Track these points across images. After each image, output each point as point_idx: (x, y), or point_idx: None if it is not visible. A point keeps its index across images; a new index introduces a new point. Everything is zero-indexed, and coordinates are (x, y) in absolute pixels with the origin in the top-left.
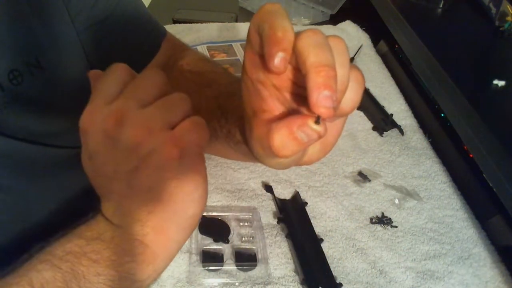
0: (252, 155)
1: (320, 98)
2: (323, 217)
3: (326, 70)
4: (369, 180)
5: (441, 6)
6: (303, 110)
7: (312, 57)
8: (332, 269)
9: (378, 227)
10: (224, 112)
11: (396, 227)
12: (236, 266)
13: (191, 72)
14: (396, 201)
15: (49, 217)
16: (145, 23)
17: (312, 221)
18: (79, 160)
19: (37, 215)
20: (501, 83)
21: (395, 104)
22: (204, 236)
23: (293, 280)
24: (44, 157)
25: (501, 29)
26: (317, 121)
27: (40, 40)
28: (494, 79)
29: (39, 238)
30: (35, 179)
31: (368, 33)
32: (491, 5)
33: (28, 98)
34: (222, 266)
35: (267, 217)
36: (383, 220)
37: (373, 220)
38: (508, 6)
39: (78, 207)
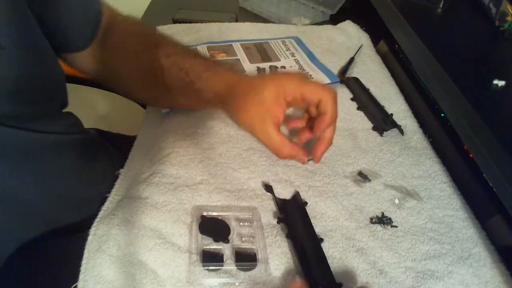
0: (207, 105)
1: (320, 158)
2: (323, 217)
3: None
4: (369, 180)
5: (441, 6)
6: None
7: (330, 132)
8: (332, 269)
9: (378, 227)
10: (182, 67)
11: (396, 227)
12: (236, 266)
13: (134, 35)
14: (396, 201)
15: (29, 202)
16: None
17: (312, 221)
18: (54, 145)
19: (18, 200)
20: (501, 83)
21: (395, 104)
22: (204, 236)
23: (293, 280)
24: (19, 141)
25: (501, 29)
26: (309, 160)
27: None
28: (494, 79)
29: (20, 224)
30: (11, 164)
31: (368, 33)
32: (491, 5)
33: None
34: (222, 266)
35: (267, 217)
36: (383, 220)
37: (373, 220)
38: (508, 6)
39: (57, 191)
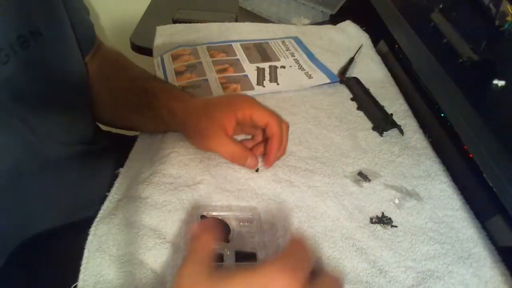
0: (164, 126)
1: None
2: (323, 217)
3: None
4: (369, 180)
5: (441, 6)
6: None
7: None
8: (332, 269)
9: (378, 227)
10: (142, 89)
11: (396, 226)
12: (236, 265)
13: (110, 63)
14: (396, 201)
15: (30, 203)
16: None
17: (312, 221)
18: (59, 152)
19: (18, 201)
20: (501, 83)
21: (395, 104)
22: None
23: None
24: (25, 147)
25: (501, 29)
26: (256, 170)
27: (38, 10)
28: (494, 79)
29: (20, 224)
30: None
31: (368, 33)
32: (491, 5)
33: (35, 62)
34: (222, 266)
35: (267, 217)
36: (383, 220)
37: (373, 220)
38: (508, 6)
39: (58, 192)
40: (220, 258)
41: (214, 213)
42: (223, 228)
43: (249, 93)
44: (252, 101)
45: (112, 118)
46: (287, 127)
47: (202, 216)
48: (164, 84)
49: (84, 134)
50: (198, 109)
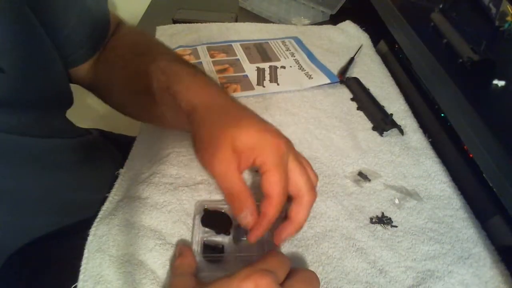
0: (183, 126)
1: (280, 239)
2: (323, 217)
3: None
4: (369, 180)
5: (441, 6)
6: None
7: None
8: (332, 269)
9: (378, 227)
10: (164, 71)
11: (396, 227)
12: (237, 257)
13: (126, 43)
14: (396, 201)
15: (30, 203)
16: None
17: (312, 221)
18: (56, 148)
19: (18, 201)
20: (501, 83)
21: (395, 104)
22: (205, 229)
23: None
24: (21, 146)
25: (501, 29)
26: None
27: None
28: (494, 79)
29: (20, 224)
30: (13, 167)
31: (368, 33)
32: (491, 5)
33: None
34: (223, 257)
35: None
36: (383, 220)
37: (373, 220)
38: (508, 6)
39: (58, 192)
40: (220, 249)
41: (217, 206)
42: (224, 220)
43: (249, 93)
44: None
45: (134, 107)
46: (314, 200)
47: (205, 210)
48: (190, 69)
49: (83, 134)
50: (219, 122)
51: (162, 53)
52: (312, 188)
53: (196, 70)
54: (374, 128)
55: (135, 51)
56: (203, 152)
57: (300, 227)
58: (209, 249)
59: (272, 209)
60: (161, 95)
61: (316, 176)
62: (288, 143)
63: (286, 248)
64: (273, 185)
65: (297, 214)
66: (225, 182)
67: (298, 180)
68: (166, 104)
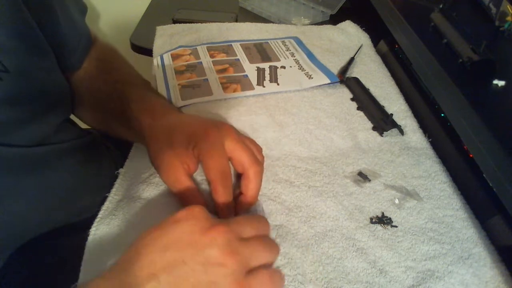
0: (138, 139)
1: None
2: (323, 217)
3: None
4: (369, 180)
5: (441, 6)
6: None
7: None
8: (332, 269)
9: (378, 227)
10: (120, 96)
11: (396, 227)
12: None
13: (96, 59)
14: (396, 201)
15: (31, 204)
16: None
17: (312, 221)
18: (57, 152)
19: (19, 202)
20: (501, 83)
21: (395, 104)
22: None
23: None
24: (21, 154)
25: (501, 29)
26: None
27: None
28: (494, 79)
29: (21, 224)
30: (14, 174)
31: (368, 33)
32: (491, 5)
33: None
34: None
35: (269, 207)
36: (383, 220)
37: (373, 220)
38: (508, 6)
39: (59, 193)
40: None
41: None
42: None
43: (249, 93)
44: (227, 142)
45: (93, 121)
46: (260, 171)
47: None
48: (142, 90)
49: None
50: (161, 133)
51: (122, 74)
52: (256, 161)
53: (146, 92)
54: (374, 128)
55: (102, 68)
56: (154, 163)
57: (253, 199)
58: None
59: (215, 194)
60: (115, 115)
61: (260, 149)
62: (221, 129)
63: (286, 248)
64: (207, 171)
65: (247, 187)
66: (173, 187)
67: (240, 157)
68: (119, 121)
